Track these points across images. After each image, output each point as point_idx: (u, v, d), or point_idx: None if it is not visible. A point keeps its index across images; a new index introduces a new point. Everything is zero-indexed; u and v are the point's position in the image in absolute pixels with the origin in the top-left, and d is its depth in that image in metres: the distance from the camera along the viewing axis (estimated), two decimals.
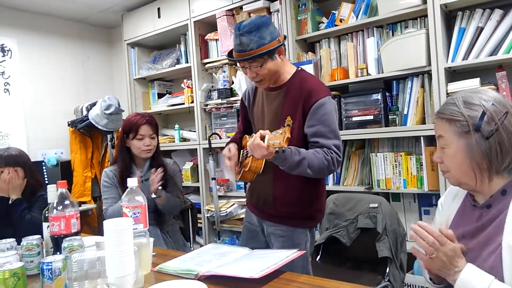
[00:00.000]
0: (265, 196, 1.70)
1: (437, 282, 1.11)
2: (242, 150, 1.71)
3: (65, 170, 3.59)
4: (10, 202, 1.92)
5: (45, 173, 3.47)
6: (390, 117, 2.42)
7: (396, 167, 2.41)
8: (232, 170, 1.67)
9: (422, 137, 2.25)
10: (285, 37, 1.62)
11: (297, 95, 1.59)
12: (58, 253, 1.28)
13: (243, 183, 3.22)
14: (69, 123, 3.68)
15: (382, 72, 2.42)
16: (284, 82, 1.64)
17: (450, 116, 1.04)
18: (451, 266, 0.95)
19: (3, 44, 3.53)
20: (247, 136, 1.70)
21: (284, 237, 1.66)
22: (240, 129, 1.92)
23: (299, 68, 1.70)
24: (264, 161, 1.57)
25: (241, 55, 1.54)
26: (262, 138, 1.36)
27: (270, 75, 1.59)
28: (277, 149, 1.36)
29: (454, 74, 2.30)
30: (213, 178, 3.07)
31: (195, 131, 3.38)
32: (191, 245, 2.49)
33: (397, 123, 2.40)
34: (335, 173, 2.71)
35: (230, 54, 1.64)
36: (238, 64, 1.66)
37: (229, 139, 1.90)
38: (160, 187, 2.00)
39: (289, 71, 1.66)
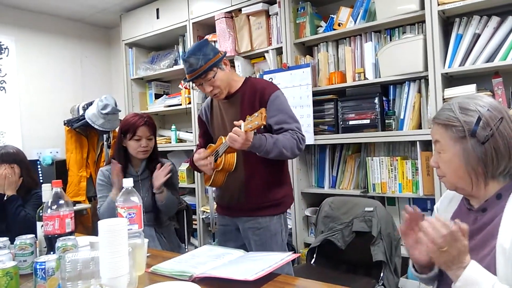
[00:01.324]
0: (238, 192, 1.81)
1: (419, 271, 1.13)
2: (210, 156, 1.80)
3: (60, 169, 3.57)
4: (5, 198, 1.91)
5: (40, 172, 3.46)
6: (386, 121, 2.43)
7: (392, 171, 2.41)
8: (209, 170, 1.77)
9: (418, 142, 2.26)
10: (225, 53, 1.81)
11: (252, 96, 1.77)
12: (51, 252, 1.27)
13: None
14: (65, 122, 3.66)
15: (380, 77, 2.43)
16: (237, 89, 1.83)
17: (446, 121, 1.05)
18: (458, 262, 0.94)
19: (0, 42, 3.52)
20: (211, 144, 1.88)
21: (261, 229, 1.77)
22: (200, 145, 2.03)
23: (248, 77, 1.91)
24: (236, 156, 1.73)
25: (194, 74, 1.72)
26: (238, 126, 1.50)
27: (224, 85, 1.77)
28: (256, 130, 1.50)
29: (450, 80, 2.31)
30: (207, 186, 3.07)
31: (191, 132, 3.37)
32: (186, 247, 2.48)
33: (393, 127, 2.41)
34: (331, 177, 2.72)
35: (185, 78, 1.80)
36: (194, 85, 1.82)
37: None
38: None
39: (239, 80, 1.85)
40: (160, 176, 2.00)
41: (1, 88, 3.52)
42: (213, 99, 1.94)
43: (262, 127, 1.55)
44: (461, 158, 1.03)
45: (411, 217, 1.09)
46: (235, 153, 1.75)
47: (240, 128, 1.50)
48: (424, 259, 1.09)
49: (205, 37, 1.83)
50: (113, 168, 2.00)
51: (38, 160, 3.53)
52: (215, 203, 2.05)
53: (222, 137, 1.73)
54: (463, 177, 1.05)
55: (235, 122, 1.54)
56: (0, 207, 1.90)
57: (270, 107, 1.71)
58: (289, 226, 2.42)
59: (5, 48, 3.55)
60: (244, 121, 1.51)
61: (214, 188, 3.15)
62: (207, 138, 2.00)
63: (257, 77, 1.99)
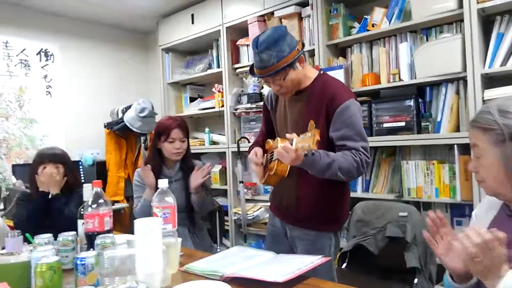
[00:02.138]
0: (289, 199, 1.69)
1: (458, 281, 1.08)
2: (266, 154, 1.72)
3: (100, 169, 3.73)
4: (49, 196, 2.02)
5: (81, 172, 3.62)
6: (422, 124, 2.36)
7: (428, 175, 2.34)
8: (259, 174, 1.67)
9: (456, 145, 2.18)
10: (303, 44, 1.60)
11: (320, 99, 1.58)
12: (91, 249, 1.33)
13: (270, 187, 3.22)
14: (105, 124, 3.83)
15: (415, 78, 2.37)
16: (306, 87, 1.64)
17: (484, 124, 1.02)
18: (495, 271, 0.91)
19: (46, 49, 3.74)
20: (269, 140, 1.69)
21: (308, 241, 1.66)
22: (263, 131, 1.92)
23: (321, 72, 1.69)
24: (289, 166, 1.55)
25: (263, 72, 1.54)
26: (290, 141, 1.35)
27: (293, 85, 1.60)
28: (306, 152, 1.33)
29: (491, 81, 2.21)
30: (241, 182, 3.10)
31: (224, 135, 3.43)
32: (218, 247, 2.52)
33: (429, 130, 2.34)
34: (364, 180, 2.67)
35: (251, 69, 1.64)
36: (259, 79, 1.66)
37: (253, 141, 1.92)
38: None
39: (311, 76, 1.65)
40: (198, 177, 2.05)
41: (48, 93, 3.73)
42: None
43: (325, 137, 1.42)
44: (501, 162, 1.00)
45: (435, 223, 1.06)
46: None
47: (292, 144, 1.33)
48: (459, 268, 1.06)
49: (281, 27, 1.59)
50: (143, 171, 2.07)
51: (80, 161, 3.70)
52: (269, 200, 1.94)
53: (279, 139, 1.55)
54: (503, 182, 1.01)
55: (287, 135, 1.38)
56: (46, 205, 2.02)
57: (336, 119, 1.53)
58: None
59: (50, 55, 3.77)
60: (298, 135, 1.36)
61: (246, 190, 3.19)
62: (269, 127, 1.87)
63: (313, 69, 1.77)
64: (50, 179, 2.03)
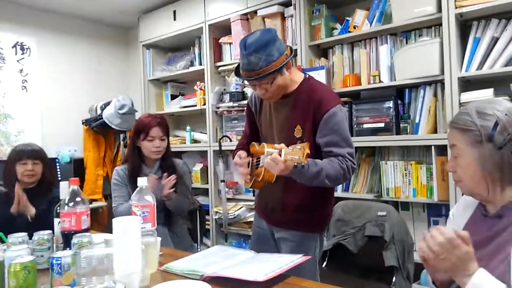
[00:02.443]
0: (275, 203, 1.69)
1: (440, 287, 1.11)
2: (251, 158, 1.70)
3: (78, 167, 3.65)
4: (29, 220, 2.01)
5: (58, 170, 3.54)
6: (401, 125, 2.41)
7: (406, 176, 2.39)
8: (246, 178, 1.66)
9: (433, 146, 2.23)
10: (291, 50, 1.58)
11: (307, 104, 1.57)
12: (68, 248, 1.31)
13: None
14: (84, 121, 3.75)
15: (395, 80, 2.41)
16: (292, 91, 1.62)
17: (463, 125, 1.05)
18: (462, 269, 0.94)
19: (22, 43, 3.63)
20: (255, 143, 1.66)
21: (294, 242, 1.66)
22: (246, 133, 1.90)
23: (307, 76, 1.68)
24: None
25: (251, 75, 1.51)
26: (278, 152, 1.34)
27: (279, 90, 1.58)
28: (295, 163, 1.33)
29: (467, 84, 2.27)
30: (222, 181, 3.09)
31: (206, 133, 3.41)
32: (198, 246, 2.51)
33: (408, 131, 2.39)
34: None
35: (237, 71, 1.61)
36: (245, 81, 1.64)
37: (237, 143, 1.91)
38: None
39: (297, 80, 1.63)
40: (166, 186, 2.02)
41: (23, 87, 3.62)
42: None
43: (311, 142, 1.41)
44: (478, 163, 1.02)
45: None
46: None
47: (280, 155, 1.32)
48: (447, 278, 1.08)
49: (270, 30, 1.56)
50: (150, 181, 2.00)
51: (56, 158, 3.61)
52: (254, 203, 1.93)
53: (265, 145, 1.52)
54: (479, 182, 1.04)
55: (276, 146, 1.39)
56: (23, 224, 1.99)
57: (323, 125, 1.53)
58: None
59: (27, 49, 3.66)
60: (286, 145, 1.36)
61: (227, 189, 3.18)
62: (253, 129, 1.84)
63: (299, 71, 1.77)
64: (32, 178, 2.01)
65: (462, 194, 1.17)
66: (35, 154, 2.13)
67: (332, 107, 1.53)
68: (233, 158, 1.75)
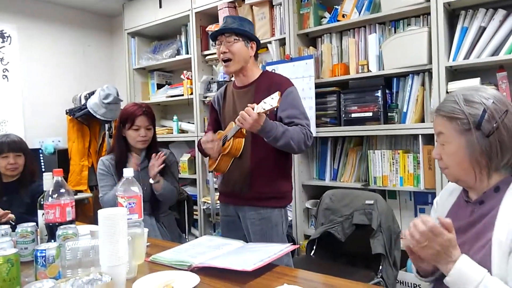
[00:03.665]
0: (243, 181, 1.80)
1: (424, 275, 1.13)
2: (218, 141, 1.82)
3: (62, 158, 3.58)
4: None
5: (42, 161, 3.47)
6: (389, 114, 2.42)
7: (393, 164, 2.41)
8: (215, 150, 1.78)
9: (420, 136, 2.25)
10: (259, 42, 1.87)
11: (267, 87, 1.77)
12: (52, 240, 1.28)
13: None
14: (67, 111, 3.67)
15: (383, 69, 2.41)
16: (253, 80, 1.85)
17: (450, 113, 1.05)
18: (445, 256, 0.95)
19: (2, 30, 3.51)
20: (221, 131, 1.89)
21: (261, 220, 1.78)
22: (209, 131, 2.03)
23: (265, 70, 1.94)
24: (243, 142, 1.75)
25: (222, 28, 1.78)
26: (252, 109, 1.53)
27: (238, 58, 1.79)
28: (266, 111, 1.51)
29: (455, 73, 2.29)
30: (210, 171, 3.06)
31: (193, 123, 3.37)
32: (186, 237, 2.50)
33: (396, 120, 2.40)
34: (332, 169, 2.71)
35: (212, 34, 1.84)
36: (215, 43, 1.87)
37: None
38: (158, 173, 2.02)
39: (257, 71, 1.88)
40: (154, 166, 2.00)
41: (4, 77, 3.52)
42: (227, 86, 1.98)
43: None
44: (466, 150, 1.03)
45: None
46: (243, 139, 1.76)
47: (253, 110, 1.52)
48: (430, 268, 1.09)
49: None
50: (133, 162, 2.05)
51: (40, 149, 3.54)
52: (218, 192, 2.05)
53: (233, 122, 1.73)
54: (467, 170, 1.05)
55: (248, 105, 1.56)
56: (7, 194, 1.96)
57: (283, 101, 1.71)
58: (290, 218, 2.43)
59: (7, 36, 3.54)
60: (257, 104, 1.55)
61: (215, 179, 3.17)
62: (216, 126, 2.00)
63: (259, 68, 1.96)
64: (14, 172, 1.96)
65: (448, 182, 1.18)
66: (15, 146, 2.08)
67: (289, 86, 1.81)
68: (199, 150, 1.96)
